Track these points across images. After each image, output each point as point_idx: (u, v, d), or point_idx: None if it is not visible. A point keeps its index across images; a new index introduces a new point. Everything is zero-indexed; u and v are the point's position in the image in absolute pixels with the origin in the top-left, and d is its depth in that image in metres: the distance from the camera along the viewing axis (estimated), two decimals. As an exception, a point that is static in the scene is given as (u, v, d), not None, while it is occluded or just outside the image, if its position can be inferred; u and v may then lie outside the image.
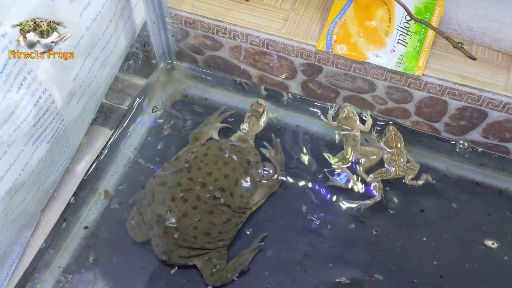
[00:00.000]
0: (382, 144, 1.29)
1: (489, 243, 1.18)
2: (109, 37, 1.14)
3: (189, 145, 1.31)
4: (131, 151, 1.35)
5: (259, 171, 1.24)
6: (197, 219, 1.12)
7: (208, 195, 1.13)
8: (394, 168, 1.25)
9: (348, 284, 1.13)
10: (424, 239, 1.19)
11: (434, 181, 1.25)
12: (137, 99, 1.43)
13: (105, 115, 1.37)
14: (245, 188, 1.18)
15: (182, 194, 1.13)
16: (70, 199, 1.25)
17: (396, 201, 1.24)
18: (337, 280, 1.13)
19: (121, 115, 1.39)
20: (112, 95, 1.39)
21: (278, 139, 1.32)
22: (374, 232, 1.20)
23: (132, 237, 1.19)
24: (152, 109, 1.42)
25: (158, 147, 1.35)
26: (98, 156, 1.32)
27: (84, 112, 1.18)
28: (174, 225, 1.12)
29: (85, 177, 1.29)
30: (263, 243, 1.18)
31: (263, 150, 1.31)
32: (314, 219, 1.21)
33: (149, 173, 1.29)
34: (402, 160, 1.26)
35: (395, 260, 1.16)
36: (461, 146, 1.32)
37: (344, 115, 1.33)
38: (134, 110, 1.41)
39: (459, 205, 1.24)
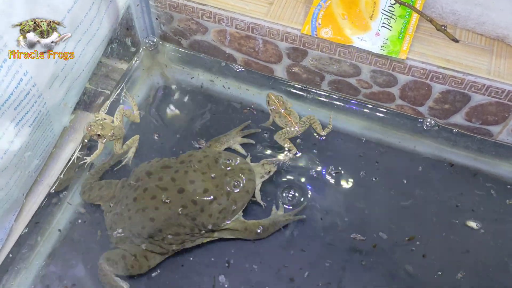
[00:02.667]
0: (271, 113, 1.34)
1: (472, 224, 1.19)
2: (92, 20, 1.13)
3: (203, 149, 1.26)
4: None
5: (243, 200, 1.15)
6: (149, 218, 1.10)
7: (177, 202, 1.10)
8: (292, 127, 1.31)
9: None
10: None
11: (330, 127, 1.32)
12: (120, 83, 1.41)
13: (89, 100, 1.35)
14: (218, 209, 1.11)
15: (155, 190, 1.11)
16: (54, 184, 1.24)
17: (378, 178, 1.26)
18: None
19: (104, 100, 1.38)
20: (95, 80, 1.38)
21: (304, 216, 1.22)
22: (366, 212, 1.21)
23: (81, 193, 1.22)
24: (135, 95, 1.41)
25: (143, 130, 1.35)
26: (82, 141, 1.31)
27: (67, 96, 1.16)
28: (129, 215, 1.12)
29: (69, 162, 1.28)
30: (304, 216, 1.19)
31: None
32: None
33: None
34: (294, 117, 1.33)
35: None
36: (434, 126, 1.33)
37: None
38: (117, 95, 1.40)
39: (442, 186, 1.26)
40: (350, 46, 1.22)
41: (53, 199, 1.24)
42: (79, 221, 1.22)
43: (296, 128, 1.32)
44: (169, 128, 1.36)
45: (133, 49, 1.44)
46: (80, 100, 1.28)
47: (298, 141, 1.32)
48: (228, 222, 1.14)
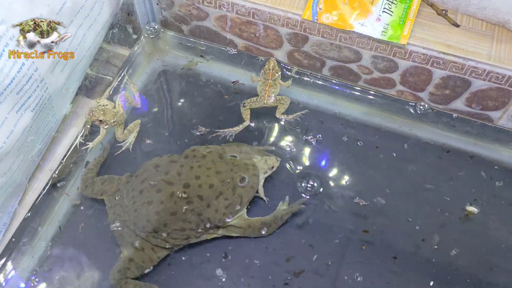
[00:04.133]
0: (260, 75, 1.36)
1: (470, 208, 1.20)
2: (93, 5, 1.13)
3: (206, 145, 1.25)
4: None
5: (249, 195, 1.15)
6: (154, 212, 1.10)
7: (183, 197, 1.10)
8: (263, 97, 1.32)
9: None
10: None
11: (302, 116, 1.32)
12: (122, 69, 1.42)
13: (90, 85, 1.36)
14: (224, 205, 1.11)
15: (162, 184, 1.12)
16: (57, 169, 1.25)
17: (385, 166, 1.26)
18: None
19: (106, 86, 1.38)
20: (97, 66, 1.38)
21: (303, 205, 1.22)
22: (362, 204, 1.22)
23: (82, 188, 1.22)
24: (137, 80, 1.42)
25: (144, 116, 1.35)
26: (84, 126, 1.31)
27: (69, 81, 1.17)
28: (134, 207, 1.11)
29: (71, 147, 1.28)
30: (303, 206, 1.19)
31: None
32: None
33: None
34: (273, 90, 1.33)
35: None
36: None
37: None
38: (119, 81, 1.40)
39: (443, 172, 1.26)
40: (351, 31, 1.22)
41: (56, 183, 1.25)
42: (81, 203, 1.23)
43: (265, 101, 1.33)
44: (169, 114, 1.36)
45: (134, 36, 1.45)
46: (81, 86, 1.29)
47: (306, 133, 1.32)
48: (233, 218, 1.13)
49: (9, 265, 1.15)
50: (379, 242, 1.17)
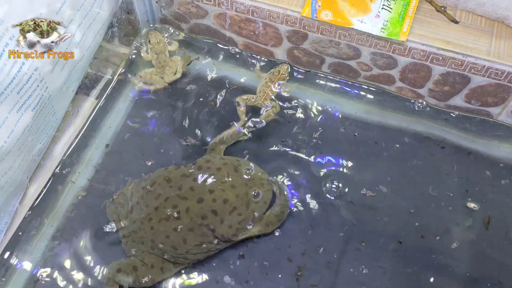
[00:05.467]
0: (267, 74, 1.37)
1: (471, 205, 1.21)
2: (92, 3, 1.13)
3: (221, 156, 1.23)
4: (120, 117, 1.36)
5: (261, 211, 1.13)
6: (173, 229, 1.08)
7: (198, 212, 1.08)
8: (261, 100, 1.33)
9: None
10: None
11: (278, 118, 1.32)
12: (122, 68, 1.42)
13: (90, 85, 1.36)
14: (238, 220, 1.09)
15: (176, 199, 1.10)
16: (56, 168, 1.26)
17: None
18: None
19: (106, 85, 1.39)
20: (96, 64, 1.39)
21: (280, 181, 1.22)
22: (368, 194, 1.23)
23: (116, 220, 1.17)
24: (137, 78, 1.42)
25: (144, 114, 1.36)
26: (84, 125, 1.32)
27: (69, 80, 1.17)
28: (151, 223, 1.09)
29: (71, 146, 1.29)
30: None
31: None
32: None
33: (136, 140, 1.30)
34: (271, 95, 1.34)
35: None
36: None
37: (157, 40, 1.40)
38: (118, 79, 1.40)
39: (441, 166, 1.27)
40: (350, 28, 1.22)
41: (57, 180, 1.25)
42: (82, 200, 1.23)
43: (261, 102, 1.33)
44: (171, 113, 1.36)
45: (133, 34, 1.45)
46: (81, 85, 1.29)
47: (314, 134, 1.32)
48: (244, 233, 1.12)
49: (11, 262, 1.15)
50: (381, 234, 1.18)
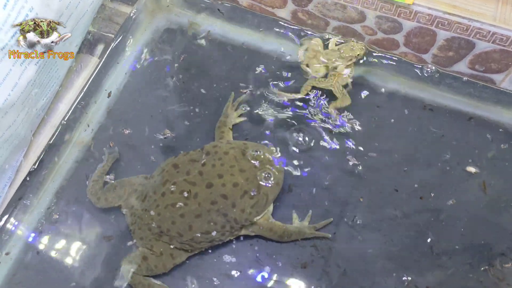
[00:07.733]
0: (338, 51, 1.32)
1: (471, 169, 1.22)
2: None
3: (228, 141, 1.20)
4: (121, 76, 1.36)
5: (274, 193, 1.10)
6: (179, 215, 1.06)
7: (207, 198, 1.06)
8: (329, 81, 1.30)
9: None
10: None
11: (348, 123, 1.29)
12: (124, 27, 1.41)
13: (92, 43, 1.36)
14: (250, 204, 1.06)
15: (184, 184, 1.07)
16: (60, 124, 1.26)
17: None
18: None
19: (108, 43, 1.38)
20: (99, 23, 1.38)
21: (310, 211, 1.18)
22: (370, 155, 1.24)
23: (94, 202, 1.17)
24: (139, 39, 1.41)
25: (146, 73, 1.36)
26: (86, 84, 1.32)
27: (72, 35, 1.16)
28: (157, 210, 1.08)
29: (75, 103, 1.29)
30: (329, 235, 1.14)
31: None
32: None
33: (136, 102, 1.30)
34: (339, 81, 1.30)
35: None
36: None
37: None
38: (120, 39, 1.39)
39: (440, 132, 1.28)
40: (356, -10, 1.21)
41: (60, 136, 1.26)
42: (87, 157, 1.24)
43: (333, 83, 1.29)
44: (172, 73, 1.36)
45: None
46: (84, 42, 1.28)
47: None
48: (259, 217, 1.10)
49: (14, 219, 1.17)
50: (379, 196, 1.19)
